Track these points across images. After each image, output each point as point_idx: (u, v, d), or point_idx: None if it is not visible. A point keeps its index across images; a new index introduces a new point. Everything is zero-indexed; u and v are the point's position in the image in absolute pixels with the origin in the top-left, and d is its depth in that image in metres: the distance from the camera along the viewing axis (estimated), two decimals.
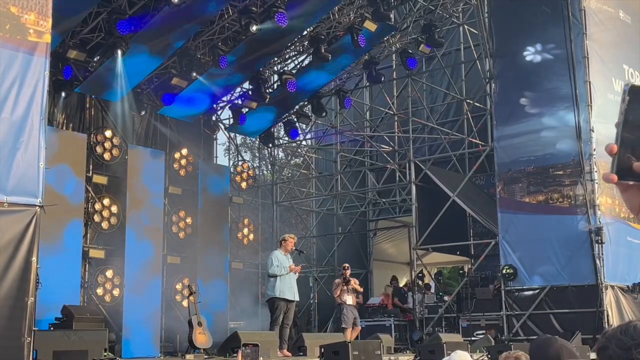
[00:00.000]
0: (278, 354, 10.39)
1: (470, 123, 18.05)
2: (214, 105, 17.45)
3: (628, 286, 13.96)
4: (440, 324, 15.81)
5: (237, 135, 20.12)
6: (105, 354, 9.71)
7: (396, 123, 20.25)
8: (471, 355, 7.42)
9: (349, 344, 9.56)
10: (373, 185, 21.11)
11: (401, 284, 19.21)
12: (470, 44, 18.30)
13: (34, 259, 7.39)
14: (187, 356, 10.83)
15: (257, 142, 21.08)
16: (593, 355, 10.96)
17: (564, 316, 13.62)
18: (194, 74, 14.88)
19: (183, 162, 16.22)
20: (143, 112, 15.60)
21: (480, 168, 16.95)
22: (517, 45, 14.96)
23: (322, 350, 9.65)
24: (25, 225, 7.43)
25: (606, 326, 12.90)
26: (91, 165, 14.41)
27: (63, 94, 13.90)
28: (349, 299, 12.76)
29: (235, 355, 9.12)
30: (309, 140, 22.19)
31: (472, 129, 17.83)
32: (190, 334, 11.29)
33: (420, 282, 16.90)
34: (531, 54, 14.75)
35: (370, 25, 14.95)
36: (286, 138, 19.48)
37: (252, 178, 18.30)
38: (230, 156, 22.87)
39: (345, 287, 12.77)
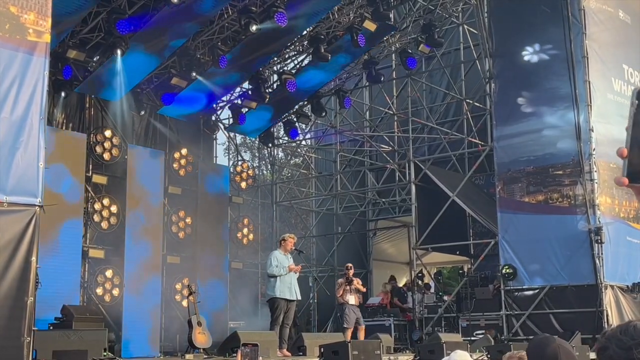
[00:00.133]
0: (278, 353, 10.39)
1: (470, 123, 18.04)
2: (214, 105, 17.44)
3: (628, 286, 13.95)
4: (440, 323, 15.81)
5: (237, 135, 20.12)
6: (105, 353, 9.71)
7: (396, 123, 20.24)
8: (471, 355, 7.42)
9: (349, 343, 9.55)
10: (373, 185, 21.11)
11: (401, 284, 19.21)
12: (470, 44, 18.30)
13: (33, 258, 7.39)
14: (187, 356, 10.82)
15: (256, 142, 21.08)
16: (593, 355, 10.97)
17: (564, 316, 13.62)
18: (194, 74, 14.88)
19: (183, 162, 16.22)
20: (143, 112, 15.60)
21: (480, 168, 16.94)
22: (516, 45, 14.96)
23: (322, 350, 9.65)
24: (25, 225, 7.43)
25: (606, 326, 12.90)
26: (91, 165, 14.41)
27: (63, 94, 13.90)
28: (352, 299, 12.77)
29: (235, 355, 9.12)
30: (309, 140, 22.19)
31: (471, 128, 17.82)
32: (190, 333, 11.29)
33: (420, 282, 16.90)
34: (530, 54, 14.75)
35: (370, 25, 14.95)
36: (286, 138, 19.48)
37: (251, 178, 18.31)
38: (230, 156, 22.89)
39: (348, 287, 12.78)
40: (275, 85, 17.33)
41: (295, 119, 18.42)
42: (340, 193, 20.84)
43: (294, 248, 11.46)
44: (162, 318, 14.56)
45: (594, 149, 13.83)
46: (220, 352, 10.77)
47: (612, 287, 13.49)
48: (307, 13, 14.53)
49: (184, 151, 16.26)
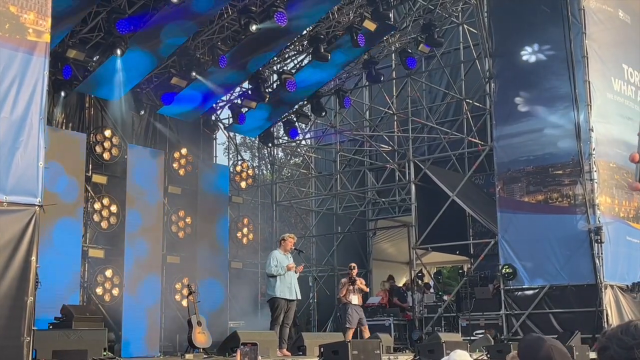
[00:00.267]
0: (277, 353, 10.39)
1: (470, 123, 18.04)
2: (214, 105, 17.44)
3: (627, 285, 13.95)
4: (440, 323, 15.81)
5: (237, 134, 20.11)
6: (105, 353, 9.70)
7: (395, 123, 20.24)
8: (470, 355, 7.42)
9: (348, 343, 9.55)
10: (372, 185, 21.11)
11: (400, 284, 19.22)
12: (470, 44, 18.30)
13: (33, 258, 7.38)
14: (187, 356, 10.82)
15: (256, 141, 21.08)
16: (593, 355, 10.97)
17: (564, 316, 13.62)
18: (194, 74, 14.87)
19: (182, 161, 16.22)
20: (142, 112, 15.59)
21: (480, 168, 16.95)
22: (516, 45, 14.96)
23: (322, 349, 9.64)
24: (25, 224, 7.42)
25: (605, 326, 12.90)
26: (90, 165, 14.40)
27: (62, 94, 13.90)
28: (355, 299, 12.78)
29: (235, 354, 9.11)
30: (309, 140, 22.19)
31: (471, 128, 17.83)
32: (190, 333, 11.29)
33: (419, 282, 16.90)
34: (530, 54, 14.75)
35: (370, 25, 14.95)
36: (286, 138, 19.47)
37: (251, 178, 18.30)
38: (230, 156, 22.87)
39: (351, 287, 12.79)
40: (275, 85, 17.32)
41: (295, 119, 18.42)
42: (340, 193, 20.84)
43: (293, 248, 11.46)
44: (162, 318, 14.56)
45: (594, 149, 13.83)
46: (220, 352, 10.76)
47: (611, 286, 13.49)
48: (307, 13, 14.52)
49: (183, 151, 16.25)
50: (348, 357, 9.19)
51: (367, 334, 12.64)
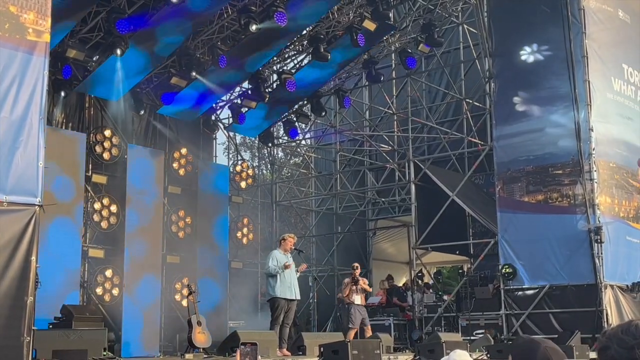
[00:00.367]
0: (277, 353, 10.39)
1: (470, 122, 18.05)
2: (213, 105, 17.43)
3: (627, 285, 13.95)
4: (440, 323, 15.81)
5: (237, 134, 20.11)
6: (105, 353, 9.71)
7: (395, 122, 20.25)
8: (470, 355, 7.42)
9: (348, 343, 9.54)
10: (372, 185, 21.11)
11: (400, 284, 19.22)
12: (470, 43, 18.30)
13: (33, 258, 7.38)
14: (187, 355, 10.82)
15: (256, 141, 21.08)
16: (593, 354, 10.97)
17: (563, 315, 13.61)
18: (193, 74, 14.86)
19: (182, 161, 16.22)
20: (142, 112, 15.58)
21: (480, 167, 16.95)
22: (516, 45, 14.96)
23: (322, 349, 9.64)
24: (25, 224, 7.42)
25: (605, 325, 12.90)
26: (90, 165, 14.40)
27: (62, 94, 13.89)
28: (358, 299, 12.80)
29: (234, 354, 9.11)
30: (309, 140, 22.19)
31: (471, 128, 17.83)
32: (190, 333, 11.29)
33: (419, 282, 16.90)
34: (530, 54, 14.75)
35: (370, 25, 14.94)
36: (285, 137, 19.47)
37: (251, 177, 18.29)
38: (230, 156, 22.88)
39: (354, 287, 12.80)
40: (275, 85, 17.32)
41: (294, 119, 18.42)
42: (340, 193, 20.84)
43: (293, 247, 11.46)
44: (162, 318, 14.56)
45: (594, 149, 13.83)
46: (220, 352, 10.76)
47: (611, 286, 13.48)
48: (307, 12, 14.52)
49: (183, 151, 16.25)
50: (348, 357, 9.19)
51: (369, 334, 12.64)
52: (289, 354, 10.75)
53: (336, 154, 21.27)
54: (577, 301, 13.46)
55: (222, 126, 18.33)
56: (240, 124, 17.27)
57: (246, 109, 17.05)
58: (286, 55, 17.41)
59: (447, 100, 19.54)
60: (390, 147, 19.84)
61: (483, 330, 14.28)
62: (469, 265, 18.67)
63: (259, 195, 19.35)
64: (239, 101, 17.26)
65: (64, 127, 14.18)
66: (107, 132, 14.80)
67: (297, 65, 17.33)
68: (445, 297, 16.70)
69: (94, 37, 13.62)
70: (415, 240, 16.72)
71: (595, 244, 13.42)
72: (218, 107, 17.87)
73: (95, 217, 14.33)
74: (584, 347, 11.48)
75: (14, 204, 7.43)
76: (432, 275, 18.31)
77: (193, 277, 14.77)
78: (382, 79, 17.75)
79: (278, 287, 10.94)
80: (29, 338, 7.17)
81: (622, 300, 13.60)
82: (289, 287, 11.03)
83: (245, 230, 17.75)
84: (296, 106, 18.28)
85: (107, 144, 14.77)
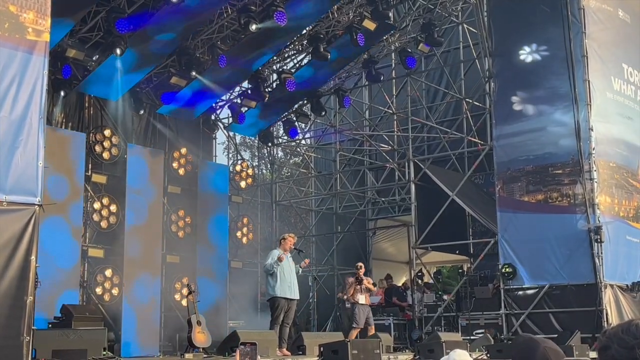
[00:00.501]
0: (277, 352, 10.38)
1: (470, 122, 18.05)
2: (213, 105, 17.42)
3: (627, 285, 13.96)
4: (440, 323, 15.81)
5: (237, 134, 20.11)
6: (104, 353, 9.70)
7: (395, 122, 20.24)
8: (470, 354, 7.42)
9: (348, 343, 9.54)
10: (372, 185, 21.11)
11: (400, 283, 19.22)
12: (470, 43, 18.30)
13: (32, 257, 7.38)
14: (186, 355, 10.82)
15: (256, 141, 21.07)
16: (593, 354, 10.97)
17: (563, 315, 13.62)
18: (193, 73, 14.85)
19: (182, 161, 16.21)
20: (142, 111, 15.58)
21: (480, 167, 16.95)
22: (516, 44, 14.96)
23: (321, 349, 9.64)
24: (24, 224, 7.42)
25: (605, 325, 12.90)
26: (90, 165, 14.39)
27: (62, 93, 13.88)
28: (362, 298, 12.84)
29: (234, 354, 9.11)
30: (308, 140, 22.18)
31: (471, 128, 17.83)
32: (190, 333, 11.29)
33: (419, 281, 16.91)
34: (530, 53, 14.75)
35: (369, 24, 14.94)
36: (285, 137, 19.47)
37: (251, 177, 18.29)
38: (230, 155, 22.87)
39: (358, 287, 12.83)
40: (274, 85, 17.31)
41: (294, 118, 18.41)
42: (340, 192, 20.84)
43: (293, 247, 11.46)
44: (162, 317, 14.56)
45: (594, 148, 13.83)
46: (220, 352, 10.76)
47: (611, 286, 13.48)
48: (307, 12, 14.50)
49: (183, 150, 16.25)
50: (348, 357, 9.18)
51: (372, 333, 12.66)
52: (288, 353, 10.75)
53: (336, 153, 21.27)
54: (577, 301, 13.46)
55: (221, 126, 18.33)
56: (240, 124, 17.26)
57: (246, 109, 17.05)
58: (286, 55, 17.40)
59: (447, 100, 19.54)
60: (390, 147, 19.83)
61: (483, 330, 14.28)
62: (468, 265, 18.67)
63: (258, 195, 19.34)
64: (238, 101, 17.25)
65: (63, 127, 14.16)
66: (107, 132, 14.79)
67: (297, 65, 17.32)
68: (445, 297, 16.70)
69: (93, 37, 13.60)
70: (415, 239, 16.72)
71: (595, 244, 13.42)
72: (218, 107, 17.86)
73: (95, 217, 14.32)
74: (584, 346, 11.48)
75: (13, 203, 7.43)
76: (432, 275, 18.31)
77: (193, 276, 14.77)
78: (381, 78, 17.74)
79: (278, 287, 10.94)
80: (28, 337, 7.17)
81: (622, 300, 13.60)
82: (288, 286, 11.03)
83: (245, 230, 17.75)
84: (296, 106, 18.27)
85: (106, 144, 14.76)
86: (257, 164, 21.07)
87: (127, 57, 13.53)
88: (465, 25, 18.19)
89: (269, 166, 21.61)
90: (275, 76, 17.48)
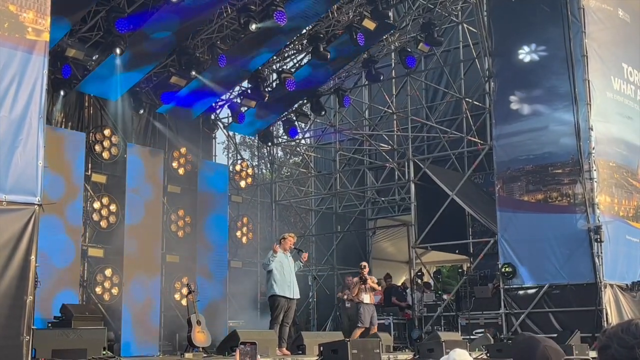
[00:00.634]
0: (277, 352, 10.38)
1: (469, 122, 18.05)
2: (213, 104, 17.42)
3: (627, 285, 13.96)
4: (439, 322, 15.82)
5: (237, 134, 20.10)
6: (104, 352, 9.70)
7: (395, 122, 20.24)
8: (470, 354, 7.41)
9: (348, 342, 9.54)
10: (372, 184, 21.11)
11: (399, 283, 19.22)
12: (470, 43, 18.30)
13: (32, 257, 7.38)
14: (186, 355, 10.81)
15: (256, 140, 21.07)
16: (593, 353, 10.97)
17: (563, 315, 13.62)
18: (193, 73, 14.85)
19: (182, 160, 16.20)
20: (142, 111, 15.57)
21: (479, 167, 16.96)
22: (515, 44, 14.96)
23: (321, 348, 9.64)
24: (24, 224, 7.41)
25: (605, 325, 12.90)
26: (90, 164, 14.39)
27: (62, 93, 13.87)
28: (366, 298, 12.88)
29: (234, 353, 9.11)
30: (308, 139, 22.19)
31: (471, 127, 17.83)
32: (189, 332, 11.29)
33: (419, 281, 16.91)
34: (529, 53, 14.75)
35: (369, 24, 14.94)
36: (285, 137, 19.47)
37: (251, 177, 18.28)
38: (229, 155, 22.86)
39: (362, 286, 12.86)
40: (274, 84, 17.31)
41: (294, 118, 18.41)
42: (340, 192, 20.84)
43: (292, 247, 11.46)
44: (162, 317, 14.56)
45: (594, 148, 13.83)
46: (219, 351, 10.76)
47: (611, 285, 13.49)
48: (307, 11, 14.50)
49: (183, 150, 16.24)
50: (347, 357, 9.18)
51: (373, 332, 12.67)
52: (288, 353, 10.75)
53: (336, 153, 21.27)
54: (577, 300, 13.47)
55: (221, 125, 18.33)
56: (239, 123, 17.26)
57: (246, 108, 17.04)
58: (286, 55, 17.39)
59: (446, 100, 19.54)
60: (389, 147, 19.83)
61: (483, 330, 14.29)
62: (468, 265, 18.68)
63: (258, 194, 19.34)
64: (238, 100, 17.25)
65: (63, 127, 14.15)
66: (107, 132, 14.79)
67: (297, 65, 17.32)
68: (444, 297, 16.71)
69: (93, 36, 13.60)
70: (414, 239, 16.72)
71: (595, 243, 13.42)
72: (217, 107, 17.85)
73: (95, 217, 14.31)
74: (584, 346, 11.49)
75: (13, 203, 7.42)
76: (432, 275, 18.32)
77: (192, 276, 14.77)
78: (381, 78, 17.74)
79: (278, 285, 10.94)
80: (28, 337, 7.17)
81: (622, 300, 13.61)
82: (288, 285, 11.03)
83: (244, 229, 17.74)
84: (296, 105, 18.27)
85: (106, 143, 14.75)
86: (256, 163, 21.08)
87: (126, 57, 13.53)
88: (465, 25, 18.19)
89: (268, 166, 21.61)
90: (275, 76, 17.47)
